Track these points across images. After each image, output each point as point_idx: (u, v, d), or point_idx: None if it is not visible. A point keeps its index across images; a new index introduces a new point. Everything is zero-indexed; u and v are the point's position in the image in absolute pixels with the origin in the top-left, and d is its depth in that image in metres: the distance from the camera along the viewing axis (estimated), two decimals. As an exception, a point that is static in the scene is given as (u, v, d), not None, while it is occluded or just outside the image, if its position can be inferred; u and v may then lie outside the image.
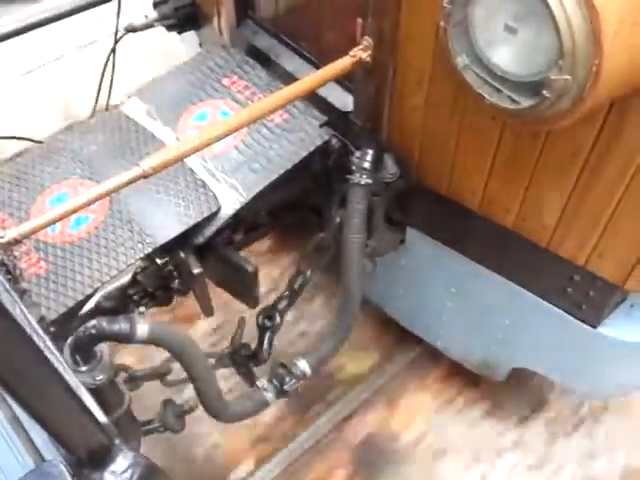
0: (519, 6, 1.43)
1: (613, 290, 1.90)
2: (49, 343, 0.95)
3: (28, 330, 0.83)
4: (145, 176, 1.69)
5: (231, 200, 2.11)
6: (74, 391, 1.06)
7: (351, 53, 1.91)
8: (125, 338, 1.78)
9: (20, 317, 0.81)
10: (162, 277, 2.37)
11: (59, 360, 0.98)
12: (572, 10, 1.32)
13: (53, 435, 1.15)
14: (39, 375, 0.96)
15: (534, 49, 1.44)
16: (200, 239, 2.10)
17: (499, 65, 1.54)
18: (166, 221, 2.07)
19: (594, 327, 2.03)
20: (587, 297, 1.96)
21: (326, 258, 2.34)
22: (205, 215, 2.07)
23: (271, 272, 3.22)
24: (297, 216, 2.58)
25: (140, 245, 2.02)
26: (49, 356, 0.95)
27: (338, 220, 2.21)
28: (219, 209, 2.10)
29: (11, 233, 1.58)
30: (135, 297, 2.35)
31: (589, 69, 1.36)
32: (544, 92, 1.44)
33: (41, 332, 0.98)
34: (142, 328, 1.77)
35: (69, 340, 1.77)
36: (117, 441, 1.27)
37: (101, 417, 1.17)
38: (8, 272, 1.81)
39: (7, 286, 0.83)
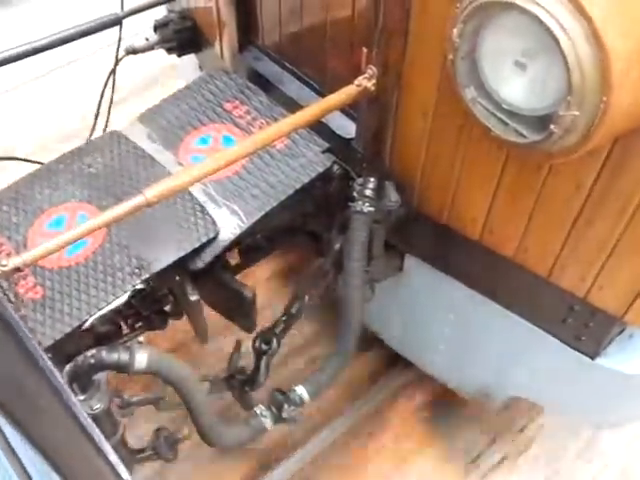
0: (529, 42, 1.45)
1: (613, 322, 1.90)
2: (71, 395, 0.93)
3: (55, 383, 0.81)
4: (149, 205, 1.68)
5: (232, 225, 2.10)
6: (99, 447, 1.02)
7: (356, 82, 1.92)
8: (124, 368, 1.78)
9: (47, 368, 0.79)
10: (157, 300, 2.36)
11: (84, 416, 0.96)
12: (582, 47, 1.34)
13: None
14: (65, 432, 0.93)
15: (543, 85, 1.46)
16: (199, 264, 2.08)
17: (507, 99, 1.55)
18: (163, 247, 2.05)
19: (592, 358, 2.03)
20: (586, 328, 1.96)
21: (324, 284, 2.33)
22: (203, 241, 2.06)
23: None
24: (295, 241, 2.58)
25: (137, 271, 2.00)
26: (76, 411, 0.92)
27: (338, 246, 2.21)
28: (217, 234, 2.09)
29: (14, 261, 1.56)
30: (129, 320, 2.34)
31: (597, 105, 1.37)
32: (552, 127, 1.45)
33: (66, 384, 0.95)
34: (141, 358, 1.77)
35: (66, 369, 1.75)
36: None
37: (125, 475, 1.14)
38: (9, 300, 1.77)
39: (29, 335, 0.81)
